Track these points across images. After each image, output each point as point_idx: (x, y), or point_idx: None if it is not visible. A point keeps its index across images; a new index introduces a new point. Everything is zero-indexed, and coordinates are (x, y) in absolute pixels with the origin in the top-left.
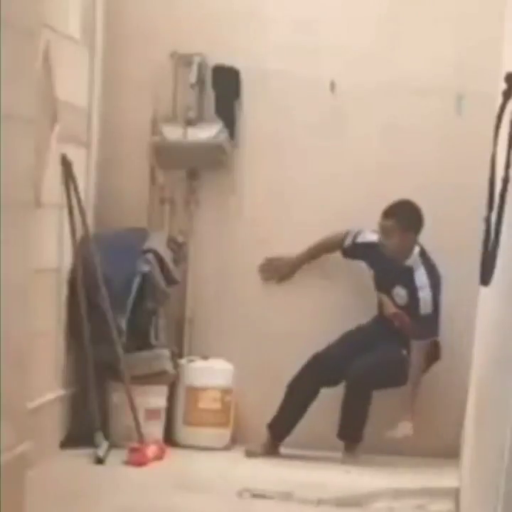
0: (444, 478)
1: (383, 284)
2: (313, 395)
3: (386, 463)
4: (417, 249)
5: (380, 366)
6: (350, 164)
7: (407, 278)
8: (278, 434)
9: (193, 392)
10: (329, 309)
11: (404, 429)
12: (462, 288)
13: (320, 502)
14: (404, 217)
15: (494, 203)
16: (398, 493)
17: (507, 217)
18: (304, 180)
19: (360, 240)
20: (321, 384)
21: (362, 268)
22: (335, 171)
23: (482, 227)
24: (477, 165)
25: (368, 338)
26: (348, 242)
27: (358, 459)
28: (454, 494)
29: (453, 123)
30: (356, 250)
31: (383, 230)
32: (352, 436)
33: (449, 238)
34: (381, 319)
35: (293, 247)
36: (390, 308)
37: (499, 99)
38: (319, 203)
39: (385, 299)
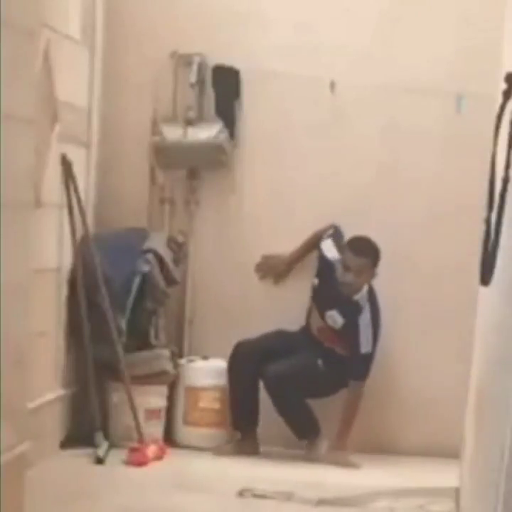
0: (444, 478)
1: (322, 301)
2: (250, 379)
3: (386, 463)
4: (365, 287)
5: (293, 372)
6: (350, 164)
7: (349, 310)
8: (244, 429)
9: (193, 392)
10: None
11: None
12: (463, 284)
13: (320, 502)
14: (376, 255)
15: (494, 203)
16: (398, 493)
17: (507, 217)
18: (303, 180)
19: (324, 249)
20: (250, 368)
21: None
22: (335, 171)
23: (482, 227)
24: (477, 165)
25: (290, 343)
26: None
27: (320, 454)
28: (454, 494)
29: (453, 123)
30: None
31: (356, 268)
32: (306, 433)
33: (448, 238)
34: (307, 331)
35: (293, 246)
36: (317, 322)
37: (499, 99)
38: (319, 203)
39: (315, 312)
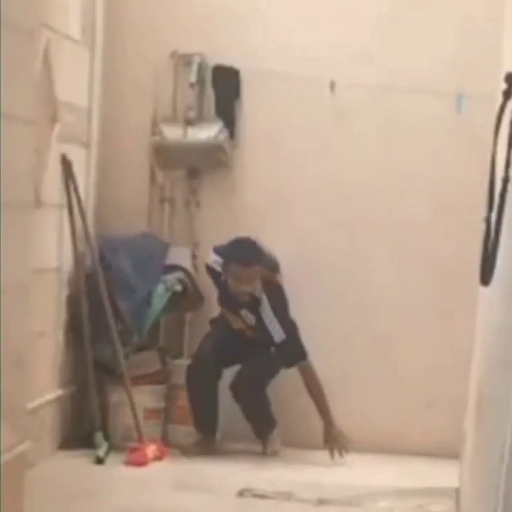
0: (444, 478)
1: (230, 305)
2: (209, 386)
3: (386, 463)
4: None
5: (257, 373)
6: (350, 164)
7: (253, 306)
8: (206, 431)
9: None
10: (323, 308)
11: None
12: (464, 283)
13: (320, 502)
14: (260, 257)
15: (494, 203)
16: (398, 493)
17: (507, 217)
18: (303, 179)
19: (211, 264)
20: (208, 378)
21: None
22: (335, 171)
23: (482, 227)
24: (477, 165)
25: (239, 342)
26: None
27: (277, 446)
28: (454, 494)
29: (453, 123)
30: (208, 272)
31: (246, 278)
32: (264, 430)
33: (449, 237)
34: (233, 332)
35: (293, 246)
36: (238, 324)
37: (499, 99)
38: (319, 203)
39: (231, 316)
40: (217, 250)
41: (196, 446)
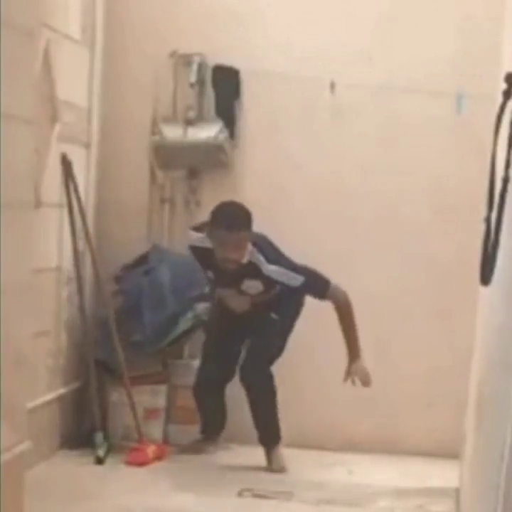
0: (444, 478)
1: (228, 283)
2: (216, 392)
3: (386, 463)
4: (249, 245)
5: (268, 357)
6: (350, 164)
7: (254, 271)
8: (210, 435)
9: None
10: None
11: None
12: (464, 283)
13: (320, 502)
14: (249, 223)
15: (494, 203)
16: (398, 493)
17: (507, 217)
18: (303, 179)
19: (194, 243)
20: (217, 383)
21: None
22: (335, 171)
23: (482, 227)
24: (477, 165)
25: (238, 332)
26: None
27: (283, 462)
28: (454, 494)
29: (453, 123)
30: (194, 253)
31: (233, 244)
32: (273, 438)
33: (449, 237)
34: (233, 317)
35: (293, 247)
36: (242, 305)
37: (499, 99)
38: (319, 202)
39: (232, 295)
40: (197, 228)
41: (196, 445)
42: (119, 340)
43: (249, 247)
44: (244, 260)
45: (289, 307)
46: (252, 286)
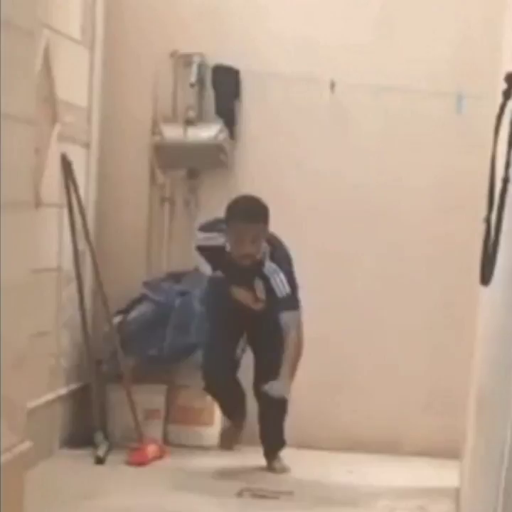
0: (444, 478)
1: (239, 282)
2: (231, 385)
3: (386, 463)
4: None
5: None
6: (350, 164)
7: (259, 270)
8: (236, 418)
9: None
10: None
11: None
12: (464, 283)
13: (320, 502)
14: (266, 216)
15: (494, 203)
16: (398, 493)
17: (507, 217)
18: (303, 179)
19: (202, 243)
20: (226, 372)
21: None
22: (335, 171)
23: (482, 227)
24: (477, 165)
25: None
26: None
27: (284, 463)
28: (454, 494)
29: (453, 123)
30: (202, 253)
31: (250, 237)
32: (278, 448)
33: (449, 237)
34: (243, 312)
35: (294, 247)
36: (257, 303)
37: (499, 99)
38: (319, 202)
39: (244, 293)
40: (204, 227)
41: (228, 434)
42: (134, 348)
43: (264, 243)
44: (259, 256)
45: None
46: (260, 287)
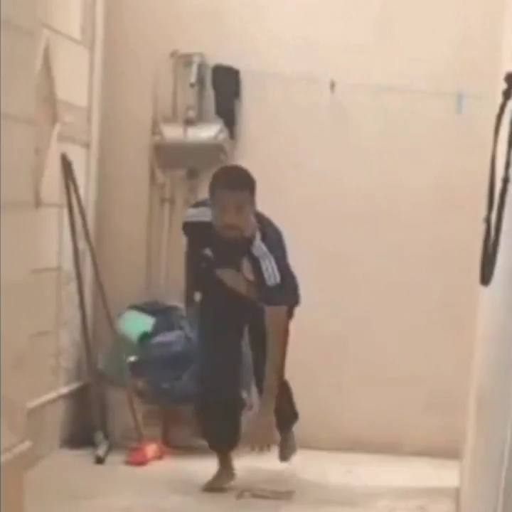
0: (444, 478)
1: (228, 260)
2: (230, 400)
3: (386, 463)
4: (253, 219)
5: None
6: (350, 164)
7: (248, 249)
8: (226, 447)
9: None
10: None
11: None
12: (464, 283)
13: (320, 502)
14: (252, 185)
15: (494, 203)
16: (398, 493)
17: (507, 217)
18: (304, 179)
19: (190, 219)
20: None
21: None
22: (335, 171)
23: (482, 227)
24: (477, 165)
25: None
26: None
27: (294, 444)
28: (454, 494)
29: (453, 123)
30: (187, 230)
31: (234, 205)
32: (292, 419)
33: (449, 237)
34: (233, 302)
35: (294, 247)
36: (241, 286)
37: (499, 99)
38: (319, 202)
39: (233, 275)
40: (194, 204)
41: (218, 481)
42: (148, 373)
43: (253, 221)
44: (247, 234)
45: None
46: (249, 268)
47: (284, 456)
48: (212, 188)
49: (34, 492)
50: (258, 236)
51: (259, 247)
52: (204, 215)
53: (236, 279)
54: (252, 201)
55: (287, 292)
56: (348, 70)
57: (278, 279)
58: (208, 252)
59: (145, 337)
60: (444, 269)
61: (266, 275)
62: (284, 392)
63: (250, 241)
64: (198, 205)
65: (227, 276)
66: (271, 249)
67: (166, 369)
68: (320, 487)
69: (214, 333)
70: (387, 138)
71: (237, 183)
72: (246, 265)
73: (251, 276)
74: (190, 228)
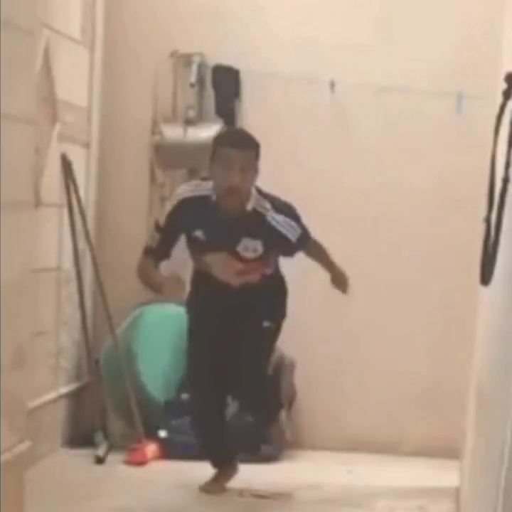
0: (444, 478)
1: (222, 241)
2: (217, 416)
3: (386, 463)
4: (254, 191)
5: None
6: (350, 164)
7: (256, 223)
8: (226, 467)
9: None
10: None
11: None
12: (464, 283)
13: (320, 502)
14: (258, 147)
15: (494, 203)
16: (398, 493)
17: (507, 217)
18: (304, 179)
19: (185, 194)
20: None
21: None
22: (335, 170)
23: (482, 227)
24: (477, 165)
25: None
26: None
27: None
28: (454, 494)
29: (453, 123)
30: (180, 209)
31: (239, 166)
32: (275, 414)
33: (449, 237)
34: (220, 291)
35: None
36: (235, 277)
37: (499, 99)
38: (320, 202)
39: (223, 262)
40: (185, 184)
41: (216, 484)
42: (166, 422)
43: (254, 192)
44: (249, 207)
45: (278, 309)
46: (250, 246)
47: (279, 442)
48: (216, 146)
49: (34, 492)
50: (268, 207)
51: (275, 218)
52: (200, 188)
53: (227, 264)
54: (256, 167)
55: (308, 232)
56: (348, 70)
57: (298, 231)
58: (199, 234)
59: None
60: (444, 269)
61: (290, 234)
62: (268, 388)
63: (259, 217)
64: (189, 183)
65: (217, 261)
66: (283, 213)
67: (185, 424)
68: (320, 487)
69: (203, 345)
70: (387, 138)
71: (244, 142)
72: (247, 244)
73: (252, 254)
74: (186, 205)
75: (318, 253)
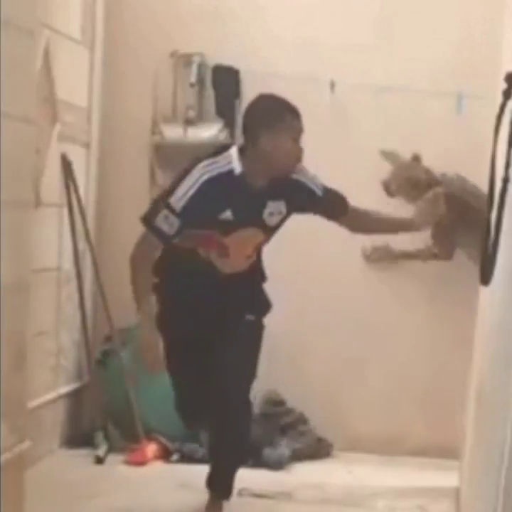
0: (444, 478)
1: (251, 213)
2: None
3: (386, 463)
4: None
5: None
6: (350, 164)
7: (279, 186)
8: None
9: None
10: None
11: None
12: (462, 284)
13: (320, 502)
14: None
15: (494, 203)
16: (398, 493)
17: (507, 217)
18: None
19: (219, 170)
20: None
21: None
22: (334, 170)
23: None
24: (477, 165)
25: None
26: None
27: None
28: (454, 494)
29: (453, 123)
30: (211, 191)
31: (298, 133)
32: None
33: None
34: (222, 282)
35: (294, 246)
36: (245, 261)
37: (499, 99)
38: None
39: (252, 234)
40: (209, 156)
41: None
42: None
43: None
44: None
45: (261, 302)
46: (275, 210)
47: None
48: (278, 113)
49: (34, 492)
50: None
51: (304, 174)
52: (220, 165)
53: (256, 236)
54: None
55: (336, 193)
56: (348, 70)
57: (321, 189)
58: (227, 214)
59: None
60: (444, 268)
61: (315, 188)
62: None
63: (298, 182)
64: (214, 154)
65: (247, 236)
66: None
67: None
68: (320, 487)
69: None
70: (387, 138)
71: (296, 109)
72: (273, 208)
73: (276, 218)
74: (210, 186)
75: (363, 216)
